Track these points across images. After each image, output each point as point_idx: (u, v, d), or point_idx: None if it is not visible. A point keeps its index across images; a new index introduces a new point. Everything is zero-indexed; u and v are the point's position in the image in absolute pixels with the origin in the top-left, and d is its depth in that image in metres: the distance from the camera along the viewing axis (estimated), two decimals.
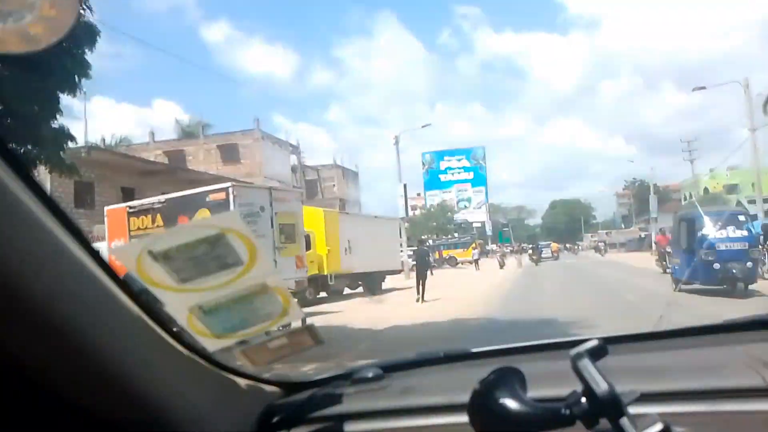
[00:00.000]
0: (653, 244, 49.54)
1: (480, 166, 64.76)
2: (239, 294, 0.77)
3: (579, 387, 0.62)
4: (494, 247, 63.95)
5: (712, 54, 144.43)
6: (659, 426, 0.59)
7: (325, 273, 16.45)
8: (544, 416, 0.63)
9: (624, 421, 0.60)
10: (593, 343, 0.64)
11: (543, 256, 36.13)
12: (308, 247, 14.04)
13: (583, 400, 0.61)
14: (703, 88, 28.31)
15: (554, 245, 42.76)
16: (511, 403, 0.63)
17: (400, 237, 19.88)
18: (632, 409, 0.62)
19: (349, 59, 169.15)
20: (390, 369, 1.06)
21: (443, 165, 65.14)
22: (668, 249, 16.78)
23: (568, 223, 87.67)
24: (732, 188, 46.90)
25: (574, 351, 0.64)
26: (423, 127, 37.67)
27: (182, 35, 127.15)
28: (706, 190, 50.68)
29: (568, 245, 59.59)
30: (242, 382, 0.91)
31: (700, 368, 0.81)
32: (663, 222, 62.13)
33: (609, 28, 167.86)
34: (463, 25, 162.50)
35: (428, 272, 15.66)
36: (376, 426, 0.88)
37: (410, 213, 46.78)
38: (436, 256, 37.87)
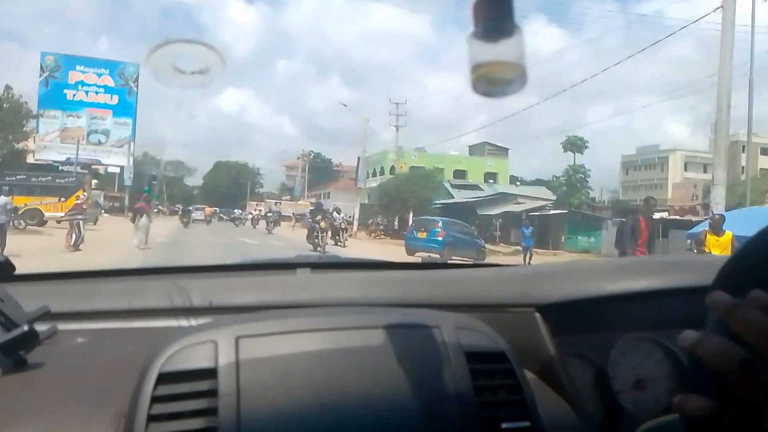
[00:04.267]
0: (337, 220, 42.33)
1: (129, 89, 45.64)
2: None
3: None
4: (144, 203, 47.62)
5: (372, 61, 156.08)
6: (23, 329, 0.64)
7: None
8: None
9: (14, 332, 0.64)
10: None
11: (195, 218, 34.74)
12: None
13: None
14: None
15: (208, 209, 42.25)
16: None
17: None
18: (62, 326, 0.73)
19: None
20: None
21: (74, 77, 44.05)
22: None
23: (232, 188, 77.07)
24: (418, 169, 42.42)
25: None
26: None
27: None
28: (393, 168, 45.54)
29: (224, 213, 46.25)
30: None
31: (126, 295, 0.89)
32: (336, 198, 56.76)
33: (292, 10, 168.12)
34: None
35: None
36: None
37: None
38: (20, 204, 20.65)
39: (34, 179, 23.49)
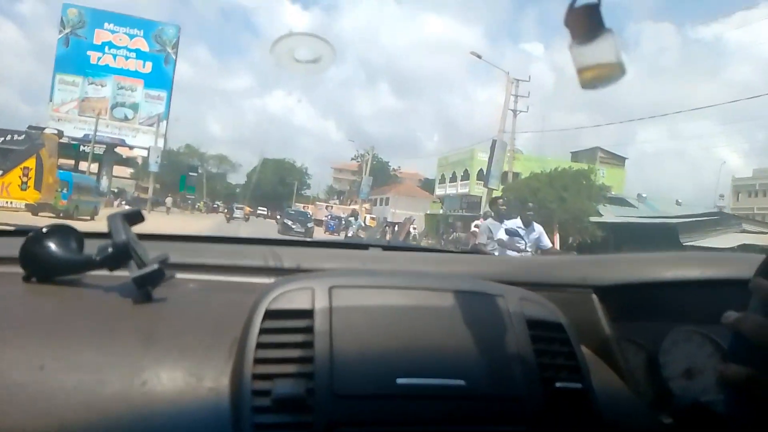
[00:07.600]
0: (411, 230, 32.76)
1: (167, 55, 37.54)
2: None
3: None
4: (167, 199, 39.44)
5: (423, 70, 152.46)
6: (154, 267, 0.76)
7: None
8: (79, 261, 0.79)
9: (130, 263, 0.77)
10: (131, 209, 0.87)
11: (235, 216, 35.20)
12: None
13: (110, 249, 0.77)
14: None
15: (247, 208, 41.74)
16: (55, 250, 0.79)
17: None
18: (180, 275, 0.88)
19: None
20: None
21: (101, 36, 36.15)
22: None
23: (278, 187, 68.97)
24: (514, 175, 32.32)
25: (111, 213, 0.82)
26: None
27: None
28: (481, 171, 35.79)
29: (290, 217, 37.30)
30: None
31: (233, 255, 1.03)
32: (397, 204, 47.53)
33: (346, 16, 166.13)
34: None
35: None
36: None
37: None
38: None
39: None
